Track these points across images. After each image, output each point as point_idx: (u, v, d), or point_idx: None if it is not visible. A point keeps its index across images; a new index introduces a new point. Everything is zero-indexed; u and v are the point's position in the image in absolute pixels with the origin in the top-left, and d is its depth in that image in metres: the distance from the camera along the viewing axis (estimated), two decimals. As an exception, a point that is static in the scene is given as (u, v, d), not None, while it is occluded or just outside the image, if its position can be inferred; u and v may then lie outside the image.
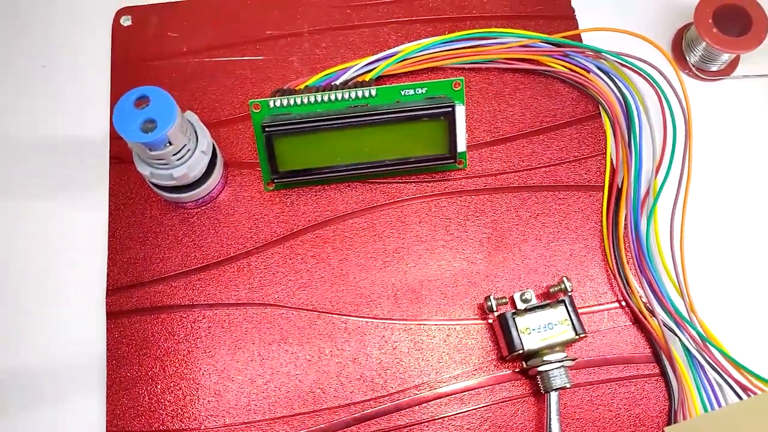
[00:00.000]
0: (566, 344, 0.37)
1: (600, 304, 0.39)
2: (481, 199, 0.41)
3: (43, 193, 0.42)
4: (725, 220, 0.42)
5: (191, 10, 0.45)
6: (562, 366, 0.36)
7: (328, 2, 0.46)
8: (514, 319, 0.37)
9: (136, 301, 0.39)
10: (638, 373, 0.38)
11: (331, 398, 0.38)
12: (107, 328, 0.39)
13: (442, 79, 0.39)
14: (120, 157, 0.42)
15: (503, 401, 0.38)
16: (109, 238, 0.40)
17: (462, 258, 0.40)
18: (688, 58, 0.45)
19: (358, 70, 0.43)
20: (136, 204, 0.41)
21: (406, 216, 0.41)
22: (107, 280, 0.40)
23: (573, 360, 0.36)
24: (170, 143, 0.35)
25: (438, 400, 0.38)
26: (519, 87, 0.44)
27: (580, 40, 0.45)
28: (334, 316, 0.39)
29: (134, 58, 0.44)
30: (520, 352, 0.36)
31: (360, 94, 0.39)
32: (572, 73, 0.44)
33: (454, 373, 0.38)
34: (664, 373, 0.38)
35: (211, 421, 0.37)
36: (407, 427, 0.37)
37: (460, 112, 0.39)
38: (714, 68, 0.45)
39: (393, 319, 0.39)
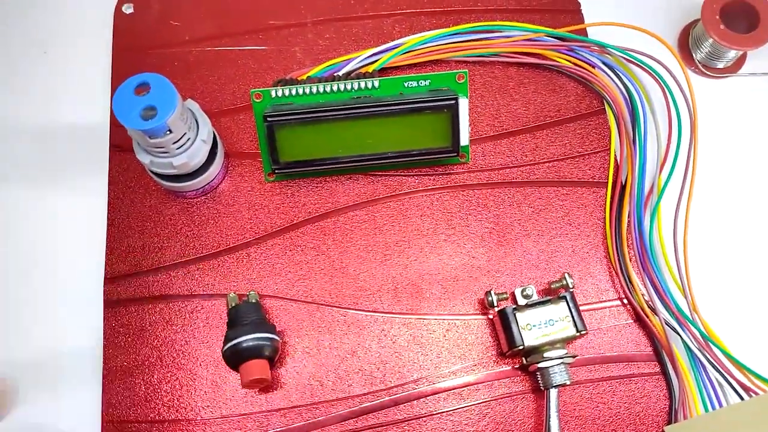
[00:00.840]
0: (567, 341, 0.36)
1: (602, 302, 0.39)
2: (484, 194, 0.41)
3: (42, 179, 0.42)
4: (730, 218, 0.42)
5: (193, -2, 0.45)
6: (563, 363, 0.36)
7: (332, -7, 0.45)
8: (514, 314, 0.36)
9: (133, 290, 0.39)
10: (639, 372, 0.38)
11: (329, 391, 0.37)
12: (104, 317, 0.38)
13: (446, 72, 0.39)
14: (120, 145, 0.41)
15: (502, 397, 0.37)
16: (108, 226, 0.40)
17: (463, 252, 0.40)
18: (694, 55, 0.45)
19: (361, 61, 0.42)
20: (135, 193, 0.41)
21: (408, 209, 0.41)
22: (105, 269, 0.39)
23: (573, 357, 0.36)
24: (170, 131, 0.34)
25: (436, 395, 0.37)
26: (523, 81, 0.43)
27: (586, 35, 0.44)
28: (334, 308, 0.39)
29: (136, 46, 0.44)
30: (521, 348, 0.36)
31: (363, 85, 0.39)
32: (577, 67, 0.43)
33: (453, 369, 0.38)
34: (665, 372, 0.38)
35: (207, 412, 0.37)
36: (405, 421, 0.37)
37: (464, 105, 0.38)
38: (720, 65, 0.45)
39: (393, 313, 0.39)
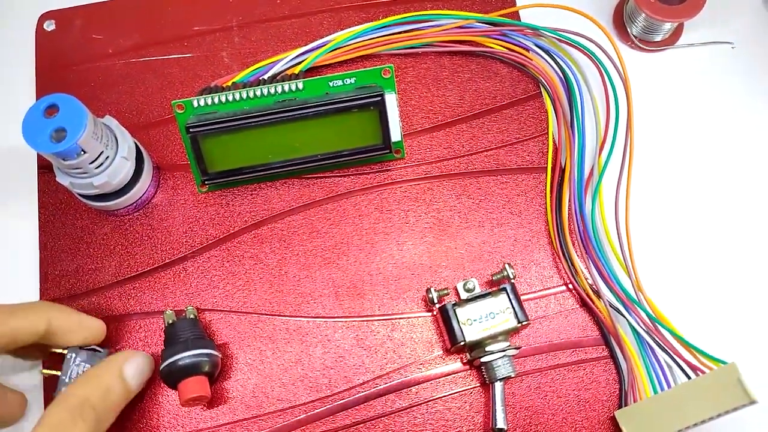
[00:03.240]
0: (509, 333, 0.36)
1: (546, 289, 0.39)
2: (422, 188, 0.40)
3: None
4: (671, 194, 0.41)
5: (115, 10, 0.44)
6: (505, 355, 0.35)
7: (257, -7, 0.44)
8: (454, 310, 0.36)
9: (70, 315, 0.38)
10: (587, 357, 0.37)
11: (275, 401, 0.37)
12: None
13: (371, 68, 0.38)
14: (48, 166, 0.40)
15: (451, 394, 0.37)
16: (40, 250, 0.39)
17: (404, 250, 0.39)
18: (630, 30, 0.44)
19: (288, 62, 0.42)
20: (66, 214, 0.40)
21: (345, 210, 0.40)
22: (40, 295, 0.38)
23: (517, 348, 0.36)
24: (84, 151, 0.33)
25: (383, 397, 0.37)
26: (457, 70, 0.43)
27: (519, 19, 0.43)
28: (275, 317, 0.38)
29: (60, 63, 0.43)
30: (462, 343, 0.35)
31: (287, 87, 0.38)
32: (511, 52, 0.43)
33: (399, 369, 0.37)
34: (613, 356, 0.37)
35: (149, 429, 0.36)
36: (354, 425, 0.36)
37: (391, 100, 0.38)
38: (657, 38, 0.44)
39: (335, 317, 0.38)
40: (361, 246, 0.39)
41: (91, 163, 0.34)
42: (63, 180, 0.35)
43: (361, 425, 0.36)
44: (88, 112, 0.33)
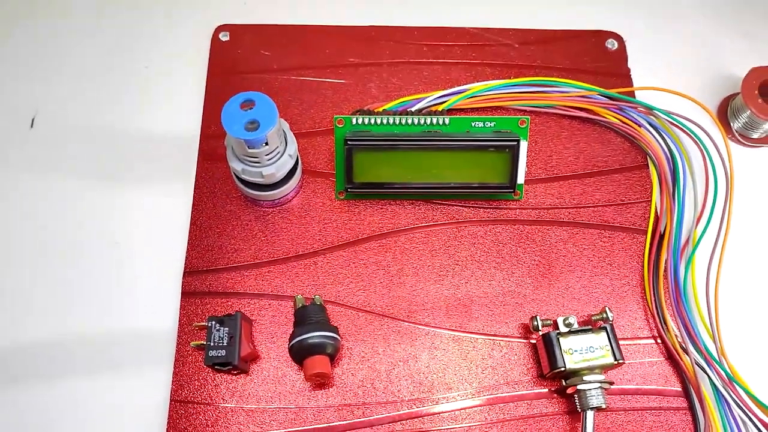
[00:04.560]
0: (605, 368, 0.39)
1: (637, 338, 0.42)
2: (533, 230, 0.45)
3: (137, 180, 0.46)
4: (758, 273, 0.45)
5: (283, 33, 0.50)
6: (600, 387, 0.38)
7: (406, 39, 0.50)
8: (558, 338, 0.39)
9: (209, 285, 0.43)
10: (667, 406, 0.41)
11: (380, 393, 0.40)
12: (180, 306, 0.42)
13: (510, 116, 0.43)
14: (208, 154, 0.46)
15: (540, 416, 0.40)
16: (190, 225, 0.44)
17: (510, 280, 0.43)
18: (732, 124, 0.49)
19: (430, 101, 0.47)
20: (217, 198, 0.45)
21: (463, 236, 0.45)
22: (185, 263, 0.43)
23: (610, 383, 0.39)
24: (267, 143, 0.39)
25: (480, 408, 0.40)
26: (575, 132, 0.48)
27: (634, 97, 0.49)
28: (389, 319, 0.42)
29: (229, 69, 0.49)
30: (562, 369, 0.39)
31: (434, 120, 0.43)
32: (624, 125, 0.48)
33: (496, 384, 0.41)
34: (691, 408, 0.40)
35: (263, 403, 0.40)
36: (450, 430, 0.40)
37: (524, 147, 0.43)
38: (755, 135, 0.49)
39: (443, 328, 0.42)
40: (473, 270, 0.44)
41: (267, 155, 0.39)
42: (236, 165, 0.40)
43: (457, 429, 0.40)
44: (278, 112, 0.38)
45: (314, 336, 0.38)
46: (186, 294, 0.42)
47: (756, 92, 0.47)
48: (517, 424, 0.40)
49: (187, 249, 0.44)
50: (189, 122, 0.48)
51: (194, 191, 0.45)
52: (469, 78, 0.49)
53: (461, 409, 0.40)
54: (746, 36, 0.52)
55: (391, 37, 0.50)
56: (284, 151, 0.41)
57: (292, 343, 0.39)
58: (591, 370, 0.39)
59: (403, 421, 0.40)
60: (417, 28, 0.51)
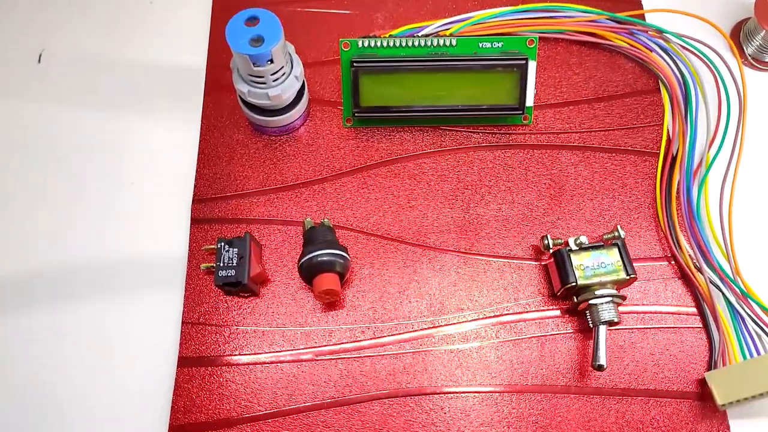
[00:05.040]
0: (617, 284, 0.39)
1: (649, 258, 0.42)
2: (543, 154, 0.44)
3: (146, 112, 0.46)
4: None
5: (288, -35, 0.50)
6: (612, 301, 0.38)
7: (412, -30, 0.50)
8: (569, 255, 0.39)
9: (218, 212, 0.43)
10: (682, 325, 0.40)
11: (390, 313, 0.40)
12: (190, 232, 0.42)
13: (517, 36, 0.43)
14: (214, 85, 0.46)
15: (551, 335, 0.40)
16: (198, 154, 0.44)
17: (521, 204, 0.43)
18: (745, 48, 0.48)
19: (436, 28, 0.47)
20: (225, 127, 0.45)
21: (472, 162, 0.44)
22: (194, 190, 0.43)
23: (623, 297, 0.39)
24: (272, 61, 0.38)
25: (494, 327, 0.40)
26: (584, 58, 0.47)
27: (644, 20, 0.48)
28: (398, 242, 0.42)
29: (234, 1, 0.49)
30: (573, 284, 0.38)
31: (441, 42, 0.43)
32: (635, 49, 0.47)
33: (506, 305, 0.41)
34: (706, 326, 0.40)
35: (274, 324, 0.40)
36: (459, 351, 0.40)
37: (532, 67, 0.42)
38: (769, 59, 0.48)
39: (451, 251, 0.42)
40: (483, 194, 0.43)
41: (273, 74, 0.39)
42: (242, 87, 0.40)
43: (473, 343, 0.40)
44: (282, 28, 0.38)
45: (324, 254, 0.38)
46: (196, 221, 0.42)
47: (770, 12, 0.46)
48: (529, 342, 0.40)
49: (196, 177, 0.43)
50: (195, 54, 0.47)
51: (201, 121, 0.45)
52: (475, 6, 0.49)
53: (472, 330, 0.40)
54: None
55: (397, -32, 0.50)
56: (290, 72, 0.41)
57: (301, 261, 0.39)
58: (602, 285, 0.38)
59: (414, 341, 0.40)
60: (423, -42, 0.50)
